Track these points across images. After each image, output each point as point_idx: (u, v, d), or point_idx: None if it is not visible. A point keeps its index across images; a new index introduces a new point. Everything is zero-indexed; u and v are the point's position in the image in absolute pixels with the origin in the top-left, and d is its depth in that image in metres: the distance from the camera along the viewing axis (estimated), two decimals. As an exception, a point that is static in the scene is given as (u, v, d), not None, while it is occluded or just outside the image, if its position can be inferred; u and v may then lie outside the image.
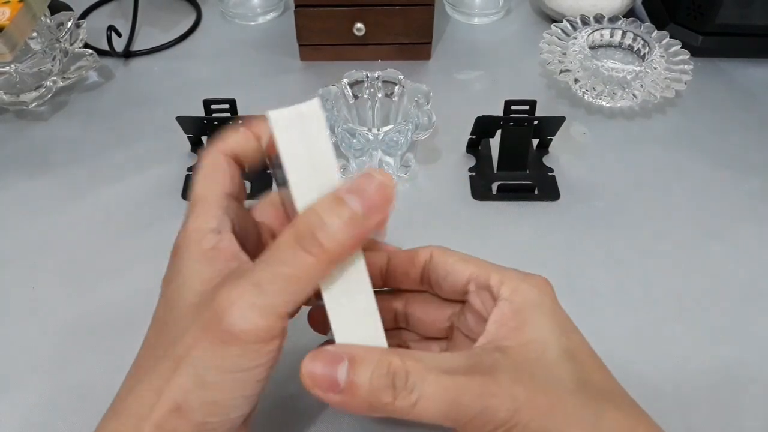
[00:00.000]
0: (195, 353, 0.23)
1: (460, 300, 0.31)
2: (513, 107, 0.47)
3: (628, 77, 0.54)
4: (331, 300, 0.25)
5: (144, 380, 0.24)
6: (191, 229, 0.26)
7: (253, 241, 0.29)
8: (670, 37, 0.58)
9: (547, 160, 0.51)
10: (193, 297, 0.24)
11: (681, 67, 0.56)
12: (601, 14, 0.60)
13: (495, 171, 0.50)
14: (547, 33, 0.59)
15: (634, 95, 0.54)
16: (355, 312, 0.25)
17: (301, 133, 0.25)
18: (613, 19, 0.60)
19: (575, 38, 0.58)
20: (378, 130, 0.44)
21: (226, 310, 0.23)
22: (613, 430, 0.25)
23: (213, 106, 0.47)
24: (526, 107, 0.47)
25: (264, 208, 0.31)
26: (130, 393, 0.25)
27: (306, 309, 0.33)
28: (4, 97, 0.53)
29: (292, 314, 0.25)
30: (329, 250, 0.23)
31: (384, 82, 0.49)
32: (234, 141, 0.28)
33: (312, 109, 0.25)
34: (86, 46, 0.58)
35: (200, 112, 0.47)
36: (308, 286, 0.23)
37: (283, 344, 0.24)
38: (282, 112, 0.25)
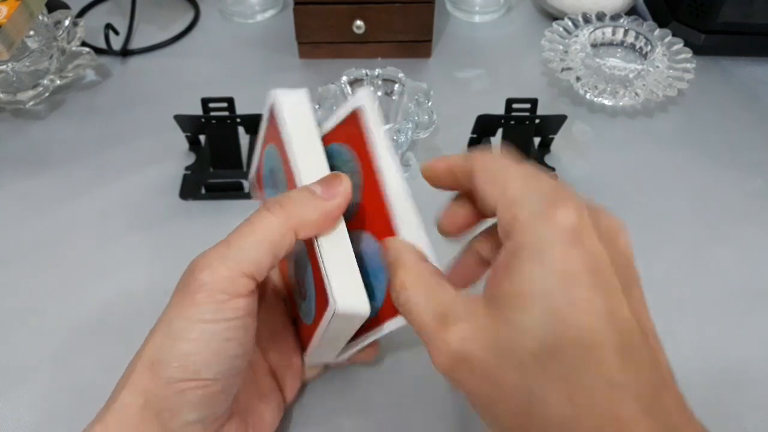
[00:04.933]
0: (170, 311, 0.27)
1: None
2: (514, 106, 0.47)
3: (630, 75, 0.54)
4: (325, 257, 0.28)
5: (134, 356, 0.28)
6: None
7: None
8: (673, 36, 0.58)
9: (548, 160, 0.51)
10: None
11: (683, 65, 0.55)
12: (602, 12, 0.60)
13: (496, 170, 0.49)
14: (549, 31, 0.59)
15: (636, 94, 0.54)
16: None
17: (297, 106, 0.32)
18: (615, 17, 0.59)
19: (577, 36, 0.58)
20: (378, 128, 0.44)
21: (197, 264, 0.26)
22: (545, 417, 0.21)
23: (211, 105, 0.46)
24: (528, 106, 0.47)
25: None
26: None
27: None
28: (1, 95, 0.52)
29: (259, 281, 0.27)
30: (287, 210, 0.27)
31: (384, 80, 0.48)
32: None
33: (302, 93, 0.32)
34: (84, 44, 0.58)
35: (198, 111, 0.47)
36: (271, 246, 0.27)
37: (251, 314, 0.27)
38: (283, 91, 0.32)
